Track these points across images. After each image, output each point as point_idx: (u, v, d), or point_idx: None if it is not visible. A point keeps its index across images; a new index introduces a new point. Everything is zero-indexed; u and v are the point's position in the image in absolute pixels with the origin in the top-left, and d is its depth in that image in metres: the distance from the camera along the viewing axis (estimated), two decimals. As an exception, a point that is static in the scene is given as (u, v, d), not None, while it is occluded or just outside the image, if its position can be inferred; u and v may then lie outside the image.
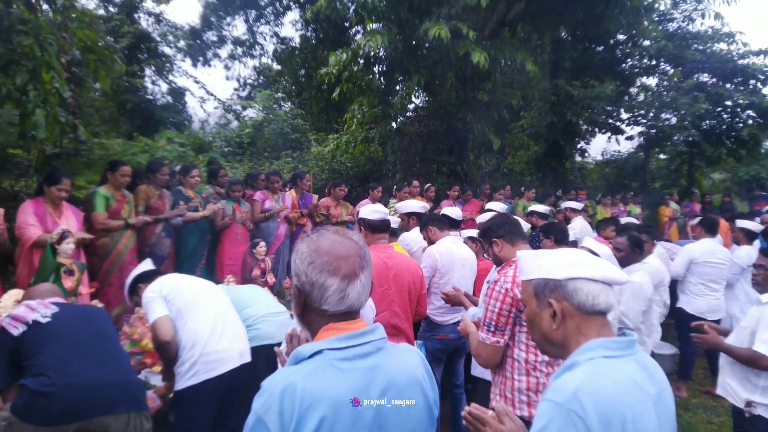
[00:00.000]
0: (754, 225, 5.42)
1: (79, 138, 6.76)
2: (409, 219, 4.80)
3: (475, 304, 3.12)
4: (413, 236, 4.71)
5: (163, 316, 2.75)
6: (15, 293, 3.21)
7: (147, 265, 3.26)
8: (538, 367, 2.24)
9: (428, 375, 1.34)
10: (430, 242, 4.06)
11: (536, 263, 1.40)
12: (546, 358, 2.23)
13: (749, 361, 2.74)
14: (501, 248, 2.53)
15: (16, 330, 2.26)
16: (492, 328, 2.26)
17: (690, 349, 4.90)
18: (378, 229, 3.39)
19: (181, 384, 2.73)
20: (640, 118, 13.24)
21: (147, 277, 3.04)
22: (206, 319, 2.83)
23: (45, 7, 5.29)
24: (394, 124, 10.35)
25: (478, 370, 3.43)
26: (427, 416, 1.30)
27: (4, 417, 2.16)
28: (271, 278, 5.36)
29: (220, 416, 2.90)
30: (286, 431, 1.10)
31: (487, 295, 2.34)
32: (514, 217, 2.94)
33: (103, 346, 2.40)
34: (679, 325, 5.09)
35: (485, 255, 2.76)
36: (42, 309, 2.34)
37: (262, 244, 5.39)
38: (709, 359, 5.07)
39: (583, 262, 1.35)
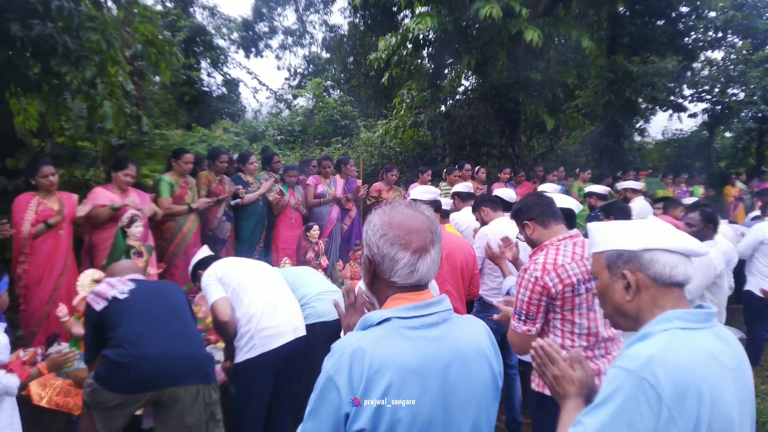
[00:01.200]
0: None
1: (142, 129, 7.09)
2: (454, 200, 4.88)
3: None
4: (461, 217, 4.73)
5: (221, 297, 2.88)
6: (92, 272, 3.44)
7: (204, 252, 3.41)
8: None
9: (493, 347, 1.34)
10: (483, 223, 4.03)
11: (609, 234, 1.36)
12: (584, 343, 2.19)
13: None
14: (533, 231, 2.43)
15: (98, 305, 2.44)
16: (522, 317, 2.21)
17: (759, 333, 4.67)
18: (429, 209, 3.41)
19: (239, 357, 2.86)
20: (704, 95, 12.50)
21: (205, 264, 3.18)
22: (260, 296, 2.94)
23: (110, 3, 5.55)
24: (443, 108, 10.25)
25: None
26: (493, 387, 1.30)
27: (89, 383, 2.35)
28: (324, 261, 5.49)
29: (278, 388, 3.01)
30: (355, 392, 1.14)
31: (517, 282, 2.28)
32: (550, 195, 2.76)
33: (175, 320, 2.55)
34: (747, 308, 4.86)
35: (517, 237, 2.68)
36: (120, 286, 2.51)
37: (316, 227, 5.54)
38: (781, 344, 4.82)
39: (659, 232, 1.30)
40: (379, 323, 1.23)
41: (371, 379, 1.14)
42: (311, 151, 11.58)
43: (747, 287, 4.79)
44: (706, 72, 12.61)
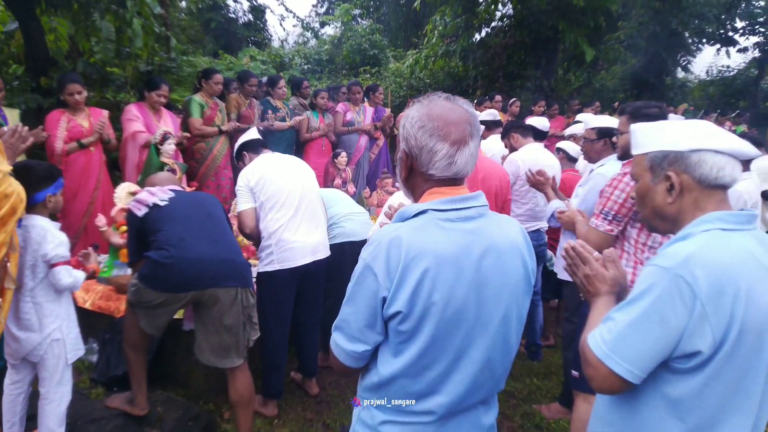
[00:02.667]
0: None
1: (171, 50, 7.03)
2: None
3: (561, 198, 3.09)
4: (487, 144, 4.68)
5: (248, 209, 2.94)
6: (127, 186, 3.55)
7: (252, 133, 3.32)
8: (645, 262, 2.29)
9: (527, 244, 1.35)
10: (512, 149, 3.99)
11: (655, 135, 1.30)
12: (651, 255, 2.26)
13: None
14: None
15: (140, 211, 2.53)
16: (609, 217, 2.33)
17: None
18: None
19: (259, 268, 2.98)
20: (758, 27, 11.70)
21: (252, 146, 3.20)
22: (286, 213, 2.95)
23: None
24: (477, 36, 9.82)
25: (565, 274, 3.42)
26: (525, 282, 1.32)
27: (134, 283, 2.48)
28: (351, 188, 5.52)
29: (302, 302, 3.12)
30: (392, 278, 1.17)
31: (611, 186, 2.36)
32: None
33: (213, 227, 2.62)
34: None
35: (615, 132, 2.72)
36: (160, 194, 2.58)
37: (344, 154, 5.53)
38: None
39: (708, 132, 1.24)
40: (416, 215, 1.24)
41: (408, 265, 1.16)
42: (338, 81, 11.37)
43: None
44: (762, 2, 11.71)
